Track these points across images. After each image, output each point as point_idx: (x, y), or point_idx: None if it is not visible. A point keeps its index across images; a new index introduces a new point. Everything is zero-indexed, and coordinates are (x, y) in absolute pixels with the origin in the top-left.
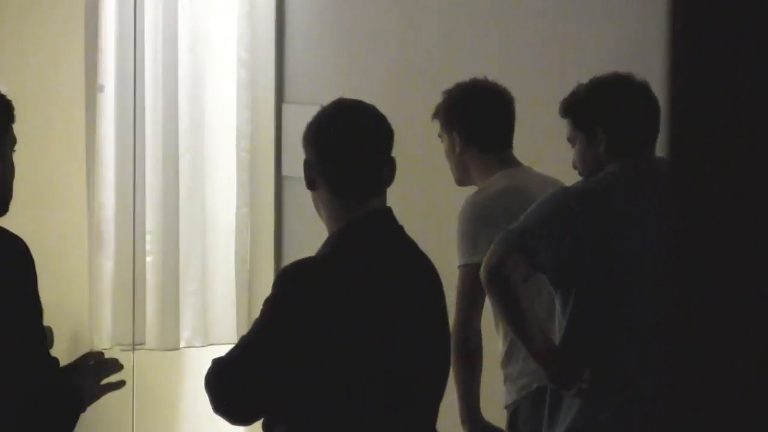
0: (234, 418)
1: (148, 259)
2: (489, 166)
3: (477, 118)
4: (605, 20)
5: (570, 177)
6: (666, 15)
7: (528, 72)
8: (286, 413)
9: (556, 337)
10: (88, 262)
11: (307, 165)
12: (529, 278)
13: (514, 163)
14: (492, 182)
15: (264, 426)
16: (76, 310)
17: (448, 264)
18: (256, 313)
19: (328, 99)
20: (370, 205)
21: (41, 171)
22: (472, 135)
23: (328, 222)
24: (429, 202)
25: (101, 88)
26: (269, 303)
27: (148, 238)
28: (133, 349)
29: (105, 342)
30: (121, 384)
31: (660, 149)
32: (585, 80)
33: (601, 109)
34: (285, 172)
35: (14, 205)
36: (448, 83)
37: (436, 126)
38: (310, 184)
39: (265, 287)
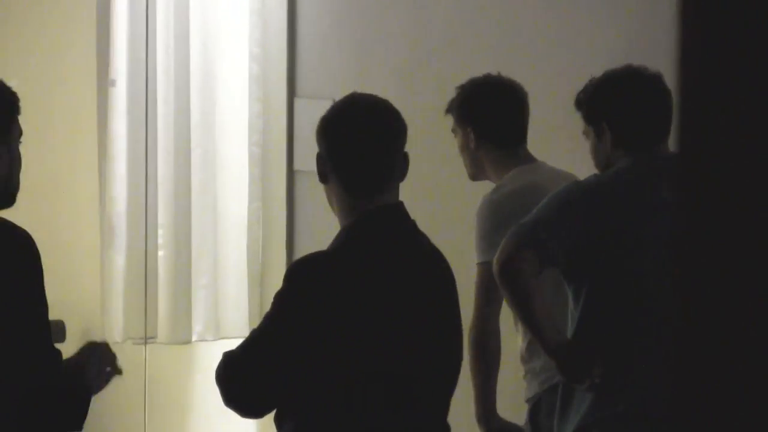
0: (244, 412)
1: (160, 253)
2: (504, 162)
3: (492, 114)
4: (615, 12)
5: (582, 172)
6: (676, 8)
7: (538, 66)
8: (297, 407)
9: (568, 331)
10: (99, 257)
11: (320, 159)
12: (542, 272)
13: (529, 158)
14: (509, 179)
15: (275, 419)
16: (88, 304)
17: (460, 259)
18: (268, 308)
19: (339, 93)
20: (382, 200)
21: (53, 165)
22: (487, 131)
23: (340, 216)
24: (440, 197)
25: (113, 83)
26: (279, 297)
27: (159, 232)
28: (145, 343)
29: (117, 336)
30: (119, 371)
31: (672, 144)
32: (597, 73)
33: (605, 105)
34: (297, 166)
35: (26, 199)
36: (460, 78)
37: (448, 120)
38: (323, 177)
39: (276, 281)
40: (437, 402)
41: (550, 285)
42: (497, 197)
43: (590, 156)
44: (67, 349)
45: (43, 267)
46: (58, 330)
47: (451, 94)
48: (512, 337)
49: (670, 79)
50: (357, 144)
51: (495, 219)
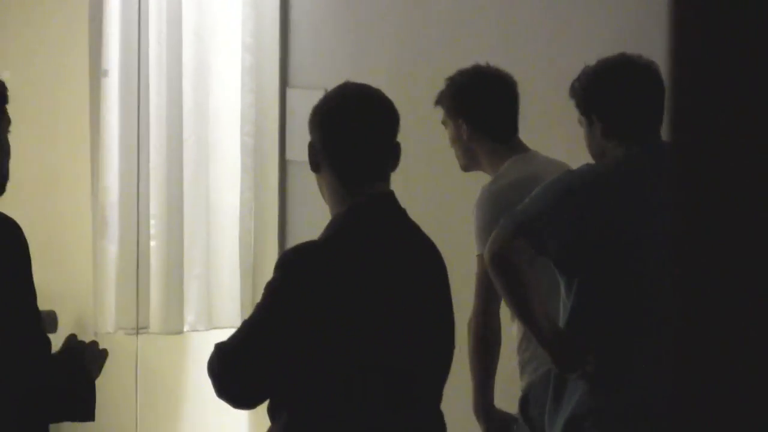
0: (237, 403)
1: (152, 243)
2: (499, 153)
3: (485, 105)
4: (609, 3)
5: (577, 162)
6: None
7: (534, 56)
8: (290, 397)
9: (560, 321)
10: (92, 247)
11: (312, 147)
12: (534, 262)
13: (523, 148)
14: (506, 170)
15: (269, 410)
16: (80, 294)
17: (452, 249)
18: (261, 297)
19: (332, 83)
20: (374, 189)
21: (45, 156)
22: (480, 122)
23: (331, 205)
24: (434, 188)
25: (105, 73)
26: (270, 287)
27: (152, 222)
28: (137, 333)
29: (109, 326)
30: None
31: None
32: (592, 62)
33: (595, 97)
34: (289, 156)
35: (18, 189)
36: (454, 69)
37: (438, 112)
38: (315, 166)
39: (269, 271)
40: (430, 390)
41: (542, 274)
42: (496, 188)
43: (584, 145)
44: (59, 339)
45: (36, 258)
46: (50, 320)
47: (443, 86)
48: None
49: (665, 68)
50: (349, 133)
51: (495, 210)
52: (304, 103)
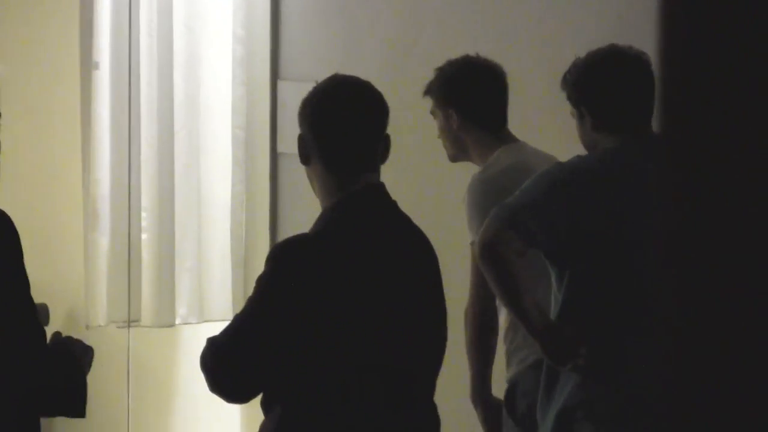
0: (230, 397)
1: (144, 236)
2: (488, 143)
3: (475, 95)
4: None
5: (565, 154)
6: None
7: (526, 49)
8: (283, 391)
9: (551, 313)
10: (83, 240)
11: (302, 140)
12: (524, 253)
13: (512, 138)
14: (497, 159)
15: (262, 404)
16: (72, 287)
17: (443, 241)
18: (252, 290)
19: (323, 76)
20: (364, 181)
21: (36, 148)
22: (470, 112)
23: (321, 197)
24: (423, 180)
25: (96, 66)
26: (261, 281)
27: (143, 215)
28: (129, 326)
29: (100, 319)
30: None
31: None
32: (584, 53)
33: (584, 90)
34: (280, 149)
35: (9, 182)
36: (445, 61)
37: (427, 102)
38: (305, 159)
39: (260, 264)
40: (423, 382)
41: (532, 266)
42: (488, 176)
43: (576, 138)
44: (51, 332)
45: (27, 250)
46: (42, 313)
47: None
48: None
49: (655, 59)
50: (339, 125)
51: (487, 198)
52: (295, 95)
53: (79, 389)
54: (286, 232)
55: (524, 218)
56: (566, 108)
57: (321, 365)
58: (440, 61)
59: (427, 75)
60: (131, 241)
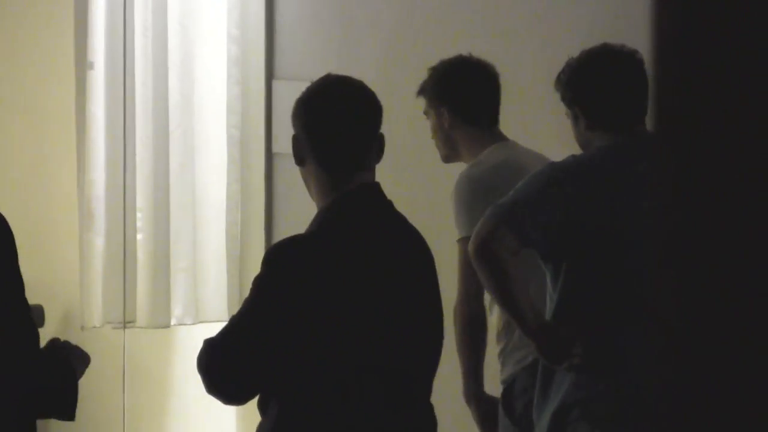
0: (227, 398)
1: (139, 236)
2: (479, 141)
3: (466, 92)
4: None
5: (560, 154)
6: None
7: (521, 49)
8: (280, 392)
9: (547, 313)
10: (78, 240)
11: (296, 140)
12: (518, 253)
13: (503, 137)
14: (486, 156)
15: (259, 405)
16: (67, 287)
17: (439, 240)
18: (247, 291)
19: (318, 75)
20: (359, 180)
21: (31, 148)
22: (461, 110)
23: (316, 197)
24: (418, 180)
25: (91, 65)
26: (258, 282)
27: (138, 215)
28: (124, 327)
29: (96, 320)
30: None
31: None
32: (577, 53)
33: (577, 90)
34: (275, 148)
35: (4, 182)
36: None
37: (421, 103)
38: (299, 159)
39: (255, 264)
40: (420, 382)
41: (526, 266)
42: (476, 172)
43: (571, 138)
44: (46, 333)
45: (22, 251)
46: (37, 315)
47: None
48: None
49: (647, 57)
50: (332, 124)
51: (474, 194)
52: (290, 94)
53: (70, 393)
54: (282, 232)
55: (518, 217)
56: (562, 108)
57: (318, 366)
58: (436, 61)
59: (423, 74)
60: (126, 241)
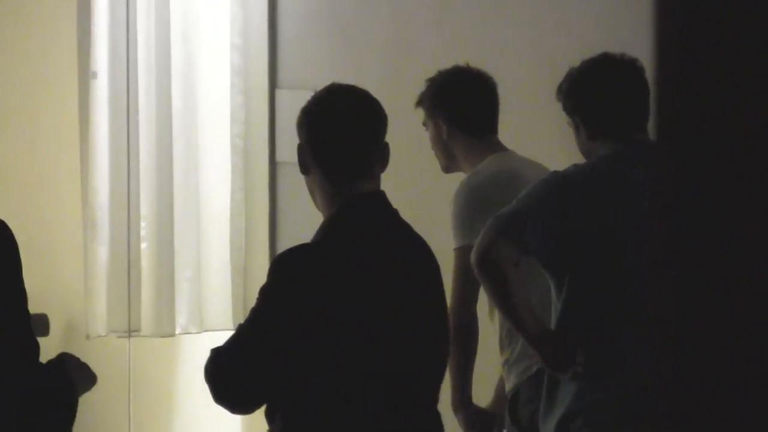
0: (234, 408)
1: (143, 245)
2: (478, 151)
3: (464, 102)
4: (598, 3)
5: (562, 163)
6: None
7: (522, 59)
8: (287, 401)
9: (552, 322)
10: (82, 249)
11: (301, 149)
12: (520, 263)
13: (501, 147)
14: (485, 166)
15: (266, 414)
16: (71, 297)
17: (445, 249)
18: (252, 299)
19: (321, 84)
20: (363, 189)
21: (35, 158)
22: (459, 120)
23: (322, 206)
24: (423, 188)
25: (94, 75)
26: (265, 292)
27: (142, 224)
28: (129, 336)
29: (100, 329)
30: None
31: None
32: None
33: (577, 100)
34: (279, 157)
35: (8, 192)
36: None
37: (419, 114)
38: (304, 168)
39: (259, 273)
40: (427, 391)
41: (528, 275)
42: (475, 182)
43: (571, 147)
44: (51, 342)
45: (26, 260)
46: (41, 323)
47: None
48: (488, 327)
49: (649, 65)
50: (337, 133)
51: (472, 204)
52: (293, 103)
53: (67, 407)
54: (286, 240)
55: (520, 227)
56: (564, 117)
57: (324, 374)
58: (437, 70)
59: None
60: (131, 250)
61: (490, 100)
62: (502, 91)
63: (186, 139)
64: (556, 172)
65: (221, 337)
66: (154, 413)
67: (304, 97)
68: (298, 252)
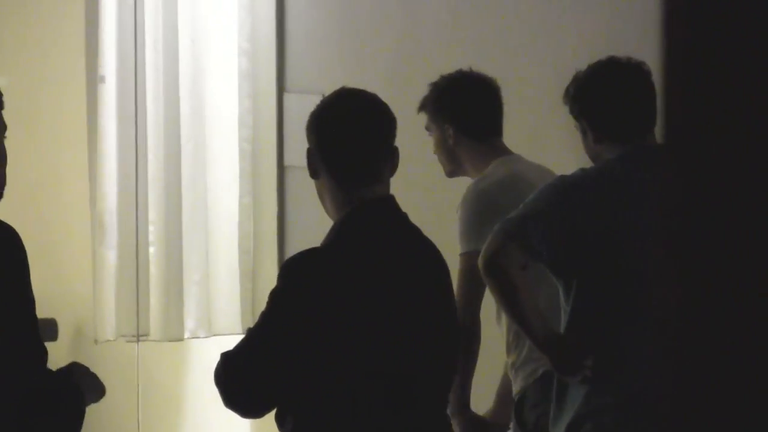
0: (245, 412)
1: (151, 249)
2: (483, 156)
3: (470, 107)
4: (606, 8)
5: (569, 166)
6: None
7: (531, 62)
8: (297, 405)
9: (561, 326)
10: (91, 254)
11: (310, 153)
12: (527, 267)
13: (506, 151)
14: (492, 170)
15: (276, 418)
16: (80, 301)
17: (454, 252)
18: (260, 303)
19: (329, 88)
20: (373, 193)
21: (43, 163)
22: (465, 125)
23: (331, 211)
24: (432, 192)
25: (102, 79)
26: (275, 295)
27: (151, 228)
28: (138, 340)
29: (109, 333)
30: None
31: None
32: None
33: (584, 104)
34: (287, 161)
35: (17, 196)
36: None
37: (421, 118)
38: (313, 172)
39: (268, 277)
40: (437, 395)
41: (535, 279)
42: (484, 187)
43: (578, 151)
44: (60, 347)
45: (34, 265)
46: (50, 328)
47: None
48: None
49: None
50: (346, 137)
51: (480, 209)
52: (301, 107)
53: (74, 416)
54: (294, 244)
55: (528, 231)
56: (572, 120)
57: (335, 378)
58: (445, 73)
59: None
60: (139, 254)
61: (494, 103)
62: (510, 94)
63: (194, 143)
64: (563, 176)
65: (230, 341)
66: (163, 417)
67: (311, 101)
68: (308, 256)
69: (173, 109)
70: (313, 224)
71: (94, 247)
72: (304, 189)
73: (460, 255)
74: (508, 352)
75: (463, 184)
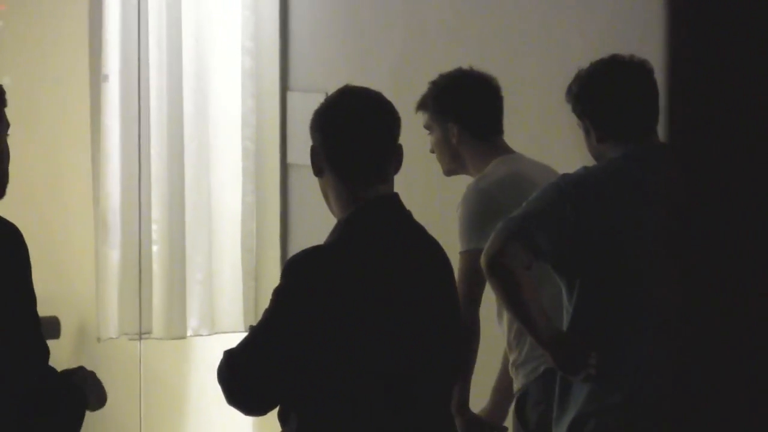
0: (248, 409)
1: (154, 248)
2: (485, 154)
3: (472, 105)
4: (609, 7)
5: (571, 164)
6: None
7: (534, 61)
8: (300, 403)
9: (564, 324)
10: (94, 252)
11: (314, 151)
12: (531, 266)
13: (507, 150)
14: (493, 169)
15: (279, 416)
16: (83, 300)
17: (452, 253)
18: (263, 301)
19: (332, 87)
20: (377, 192)
21: (47, 162)
22: (467, 123)
23: (335, 209)
24: (435, 190)
25: (106, 78)
26: (278, 293)
27: (154, 227)
28: (140, 338)
29: (112, 331)
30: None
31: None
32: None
33: (587, 102)
34: (290, 160)
35: (19, 194)
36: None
37: (420, 117)
38: (317, 170)
39: (271, 275)
40: (440, 393)
41: (538, 278)
42: (484, 186)
43: (580, 149)
44: (62, 345)
45: (37, 263)
46: (53, 326)
47: None
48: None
49: (659, 67)
50: (350, 135)
51: (481, 208)
52: (304, 106)
53: (75, 415)
54: (297, 242)
55: (531, 230)
56: (574, 119)
57: (337, 376)
58: (444, 72)
59: None
60: (142, 253)
61: (496, 101)
62: (514, 93)
63: (197, 142)
64: (565, 175)
65: (232, 339)
66: (166, 415)
67: (315, 100)
68: (311, 254)
69: (176, 108)
70: (317, 222)
71: (97, 245)
72: (308, 187)
73: (460, 253)
74: (510, 350)
75: (463, 183)
